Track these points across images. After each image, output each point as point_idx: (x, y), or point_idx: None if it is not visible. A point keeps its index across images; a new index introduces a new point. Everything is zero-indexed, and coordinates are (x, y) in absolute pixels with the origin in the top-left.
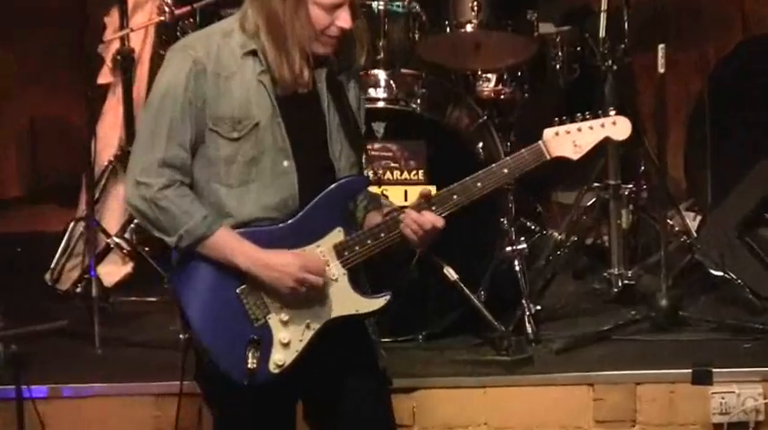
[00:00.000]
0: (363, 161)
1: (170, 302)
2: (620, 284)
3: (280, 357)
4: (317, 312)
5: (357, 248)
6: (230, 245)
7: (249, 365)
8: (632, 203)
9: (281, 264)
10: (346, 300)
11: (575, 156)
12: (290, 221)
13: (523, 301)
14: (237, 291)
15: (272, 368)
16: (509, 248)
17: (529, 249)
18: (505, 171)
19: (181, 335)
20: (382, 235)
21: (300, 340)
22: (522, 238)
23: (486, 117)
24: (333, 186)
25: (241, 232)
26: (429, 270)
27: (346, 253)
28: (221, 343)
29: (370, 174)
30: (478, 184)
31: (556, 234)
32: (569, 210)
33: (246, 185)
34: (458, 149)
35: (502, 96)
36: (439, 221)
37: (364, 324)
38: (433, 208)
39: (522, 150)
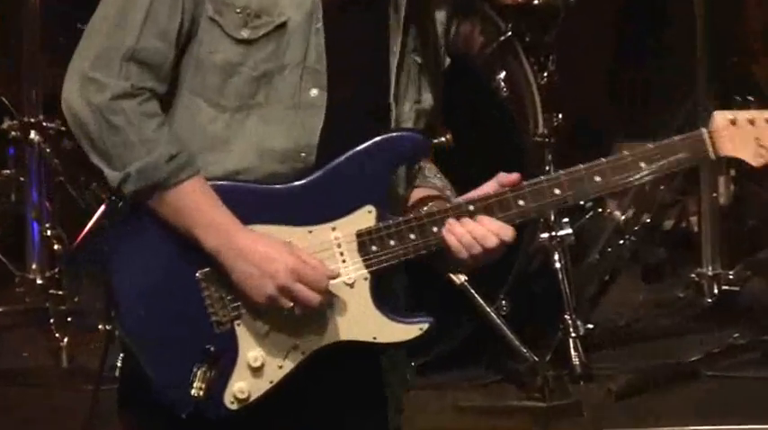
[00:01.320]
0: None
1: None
2: (715, 291)
3: (243, 387)
4: (314, 329)
5: (391, 243)
6: (197, 208)
7: (193, 391)
8: (734, 168)
9: (263, 256)
10: (361, 319)
11: (756, 160)
12: (299, 182)
13: (567, 317)
14: (198, 274)
15: (229, 401)
16: (545, 235)
17: (576, 236)
18: (642, 165)
19: (101, 326)
20: (412, 236)
21: (280, 367)
22: (566, 220)
23: (510, 33)
24: (378, 139)
25: (219, 185)
26: (423, 269)
27: (374, 247)
28: (159, 347)
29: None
30: (561, 192)
31: (617, 213)
32: None
33: (246, 112)
34: (468, 82)
35: (535, 2)
36: (507, 232)
37: (379, 359)
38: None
39: (674, 139)
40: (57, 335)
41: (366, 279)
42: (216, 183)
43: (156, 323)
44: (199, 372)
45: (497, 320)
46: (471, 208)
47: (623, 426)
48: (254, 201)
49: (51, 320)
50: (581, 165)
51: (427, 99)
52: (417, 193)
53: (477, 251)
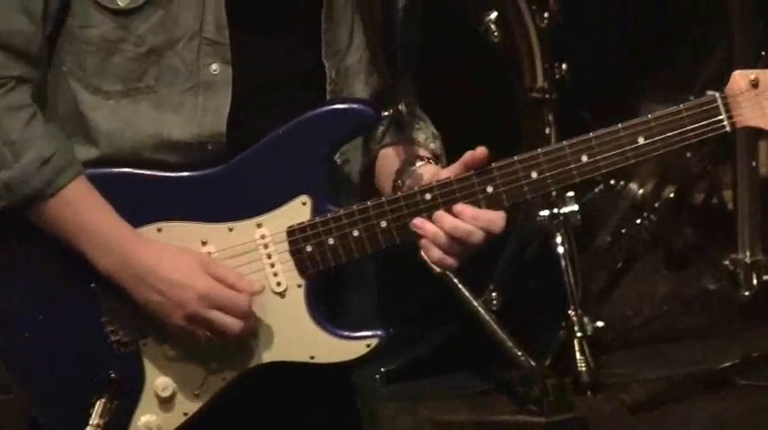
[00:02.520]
0: (400, 84)
1: None
2: (754, 282)
3: (150, 421)
4: (237, 348)
5: (330, 241)
6: (82, 220)
7: (89, 429)
8: None
9: (168, 281)
10: (295, 335)
11: None
12: (210, 170)
13: (571, 313)
14: (93, 285)
15: None
16: (544, 213)
17: (583, 214)
18: (641, 140)
19: None
20: (355, 233)
21: (196, 395)
22: (570, 194)
23: None
24: (311, 114)
25: (113, 174)
26: (393, 252)
27: (309, 247)
28: (50, 377)
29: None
30: (538, 176)
31: (634, 185)
32: None
33: (134, 97)
34: (449, 25)
35: None
36: (496, 221)
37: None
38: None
39: (680, 107)
40: None
41: (300, 286)
42: (110, 171)
43: (44, 351)
44: (98, 405)
45: (486, 317)
46: (428, 196)
47: None
48: (159, 192)
49: None
50: (564, 142)
51: (375, 62)
52: (394, 154)
53: (457, 251)
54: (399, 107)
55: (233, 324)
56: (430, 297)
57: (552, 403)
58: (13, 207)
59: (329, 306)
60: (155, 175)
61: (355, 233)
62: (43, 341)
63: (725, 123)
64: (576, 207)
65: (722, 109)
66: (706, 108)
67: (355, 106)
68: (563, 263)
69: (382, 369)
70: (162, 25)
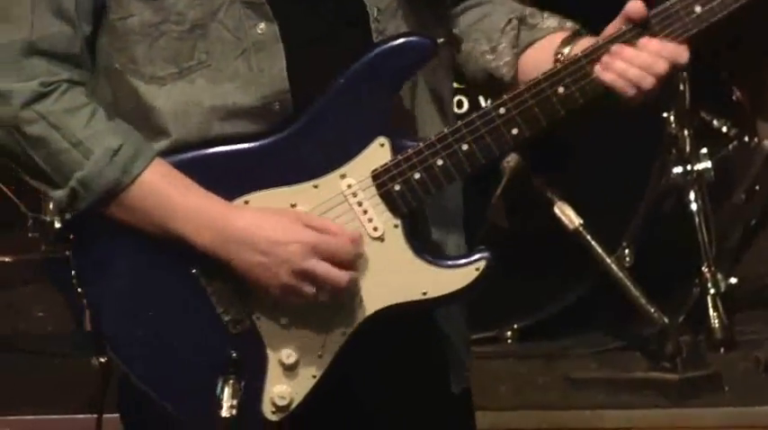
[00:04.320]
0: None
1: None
2: None
3: (282, 391)
4: (349, 302)
5: (416, 176)
6: (169, 200)
7: (224, 412)
8: None
9: (270, 240)
10: (403, 275)
11: None
12: (282, 133)
13: (704, 270)
14: (195, 270)
15: (270, 411)
16: (678, 169)
17: (716, 171)
18: (698, 9)
19: (93, 360)
20: (439, 162)
21: (320, 355)
22: (704, 151)
23: None
24: (367, 57)
25: (189, 159)
26: (522, 207)
27: (397, 186)
28: (172, 371)
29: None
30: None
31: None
32: None
33: (189, 76)
34: None
35: None
36: (681, 54)
37: (434, 317)
38: (658, 30)
39: None
40: (78, 291)
41: (397, 226)
42: (184, 158)
43: (160, 344)
44: (226, 387)
45: (619, 274)
46: (502, 110)
47: None
48: (237, 168)
49: (72, 273)
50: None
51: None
52: (539, 53)
53: (648, 83)
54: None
55: (340, 275)
56: (563, 254)
57: (686, 360)
58: (95, 206)
59: (426, 239)
60: (230, 151)
61: (439, 162)
62: (158, 336)
63: None
64: (709, 164)
65: None
66: None
67: (411, 39)
68: (696, 219)
69: (515, 325)
70: None
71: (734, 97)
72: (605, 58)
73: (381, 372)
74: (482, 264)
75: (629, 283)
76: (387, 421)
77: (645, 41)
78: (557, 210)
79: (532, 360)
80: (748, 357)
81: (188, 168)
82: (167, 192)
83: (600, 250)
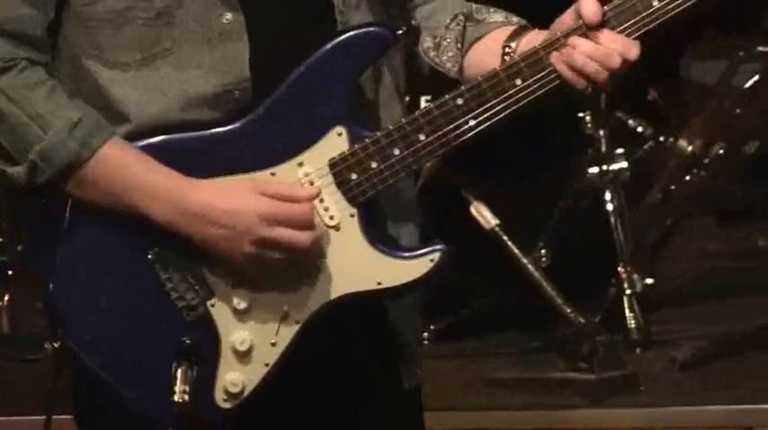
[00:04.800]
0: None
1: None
2: None
3: (234, 378)
4: (304, 289)
5: (373, 165)
6: (128, 174)
7: (176, 397)
8: None
9: (228, 212)
10: (358, 264)
11: None
12: (241, 121)
13: (621, 270)
14: (150, 255)
15: (221, 399)
16: (594, 170)
17: (633, 171)
18: (655, 3)
19: (47, 345)
20: (396, 151)
21: (273, 344)
22: (620, 151)
23: None
24: (328, 47)
25: (148, 145)
26: (441, 207)
27: (354, 174)
28: (124, 354)
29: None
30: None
31: (684, 142)
32: (707, 95)
33: (153, 63)
34: None
35: None
36: (631, 48)
37: (387, 311)
38: (611, 24)
39: None
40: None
41: (353, 215)
42: (143, 143)
43: (114, 327)
44: (179, 373)
45: (535, 274)
46: (459, 101)
47: (690, 404)
48: (196, 153)
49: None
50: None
51: None
52: (484, 47)
53: (599, 73)
54: (412, 23)
55: (302, 236)
56: (480, 256)
57: (602, 360)
58: (54, 179)
59: (381, 230)
60: (188, 137)
61: (396, 152)
62: (113, 321)
63: None
64: (625, 164)
65: None
66: None
67: (370, 29)
68: (613, 219)
69: (432, 327)
70: None
71: (649, 97)
72: (563, 50)
73: (332, 365)
74: (437, 256)
75: (545, 284)
76: (338, 414)
77: (600, 34)
78: (473, 210)
79: (449, 360)
80: (664, 357)
81: (149, 150)
82: (126, 166)
83: (516, 250)
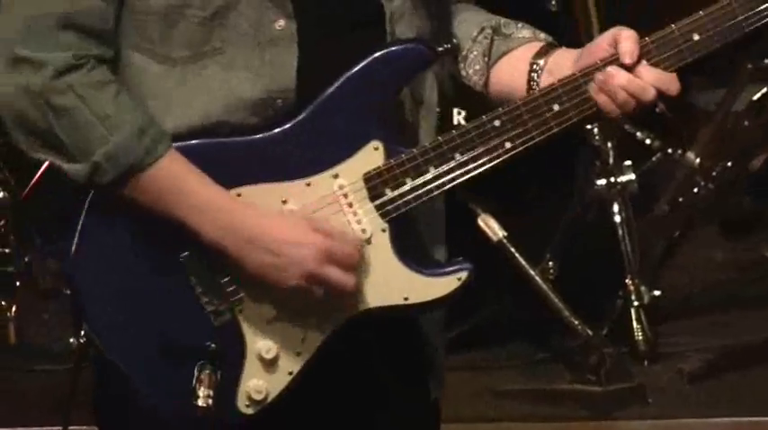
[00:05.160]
0: (450, 25)
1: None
2: None
3: (258, 385)
4: (331, 301)
5: (407, 182)
6: (184, 188)
7: (200, 402)
8: None
9: (283, 240)
10: (386, 279)
11: None
12: (279, 129)
13: (628, 282)
14: (182, 258)
15: (244, 405)
16: (602, 182)
17: (640, 183)
18: (695, 37)
19: (72, 340)
20: (431, 170)
21: (298, 354)
22: (628, 163)
23: None
24: (370, 60)
25: (187, 146)
26: (448, 219)
27: (388, 190)
28: (149, 355)
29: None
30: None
31: (691, 155)
32: (718, 106)
33: (202, 61)
34: None
35: None
36: (670, 83)
37: (418, 321)
38: (651, 55)
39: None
40: (2, 303)
41: (384, 230)
42: (183, 144)
43: (140, 327)
44: (203, 377)
45: (543, 286)
46: (497, 123)
47: (697, 416)
48: (233, 159)
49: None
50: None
51: (429, 7)
52: (511, 62)
53: (626, 105)
54: (453, 41)
55: (348, 279)
56: (487, 267)
57: (609, 372)
58: (116, 181)
59: (411, 244)
60: (227, 142)
61: (431, 170)
62: (140, 321)
63: None
64: (633, 176)
65: None
66: None
67: (409, 46)
68: (620, 231)
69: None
70: None
71: (657, 109)
72: (600, 77)
73: (363, 373)
74: (464, 275)
75: (552, 296)
76: (367, 423)
77: (641, 69)
78: (480, 223)
79: (457, 372)
80: (672, 369)
81: (185, 155)
82: (181, 179)
83: (524, 262)
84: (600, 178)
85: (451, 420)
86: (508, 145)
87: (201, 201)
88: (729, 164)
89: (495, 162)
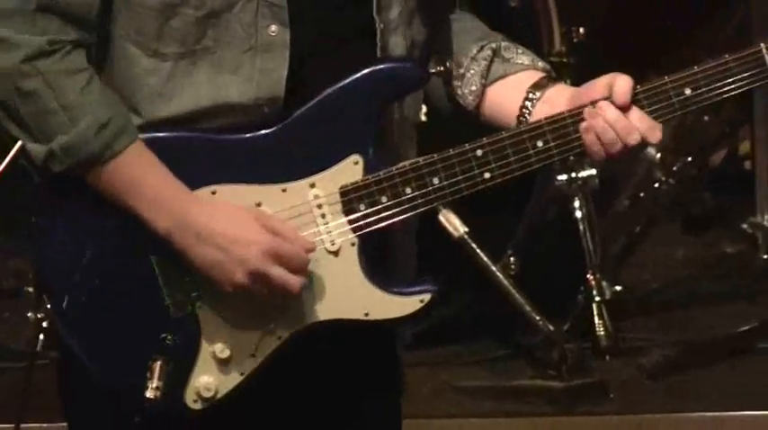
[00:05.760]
0: (444, 43)
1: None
2: None
3: (208, 382)
4: (292, 307)
5: (383, 199)
6: (139, 181)
7: (148, 392)
8: None
9: (229, 237)
10: (349, 293)
11: None
12: (261, 132)
13: (589, 277)
14: (147, 248)
15: (191, 400)
16: (563, 177)
17: (601, 178)
18: (687, 92)
19: (30, 314)
20: (408, 190)
21: (253, 355)
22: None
23: None
24: (359, 75)
25: (166, 138)
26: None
27: (362, 205)
28: (105, 337)
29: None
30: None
31: (652, 150)
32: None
33: (192, 59)
34: None
35: None
36: (654, 131)
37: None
38: (641, 104)
39: (725, 58)
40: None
41: (353, 244)
42: (163, 136)
43: (99, 308)
44: (155, 367)
45: (505, 282)
46: (479, 152)
47: (658, 411)
48: (212, 155)
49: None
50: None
51: (425, 23)
52: (507, 87)
53: (618, 149)
54: (446, 65)
55: (294, 280)
56: (448, 262)
57: (571, 368)
58: (70, 171)
59: (378, 259)
60: (208, 138)
61: (408, 191)
62: (100, 306)
63: None
64: (594, 171)
65: (767, 58)
66: (752, 58)
67: (401, 65)
68: (581, 227)
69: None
70: None
71: None
72: (590, 110)
73: (323, 376)
74: (427, 297)
75: (514, 291)
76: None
77: (631, 112)
78: (441, 218)
79: (418, 368)
80: (633, 364)
81: (165, 147)
82: (137, 174)
83: (485, 258)
84: (561, 173)
85: (413, 416)
86: (487, 175)
87: (156, 195)
88: (690, 159)
89: (472, 191)
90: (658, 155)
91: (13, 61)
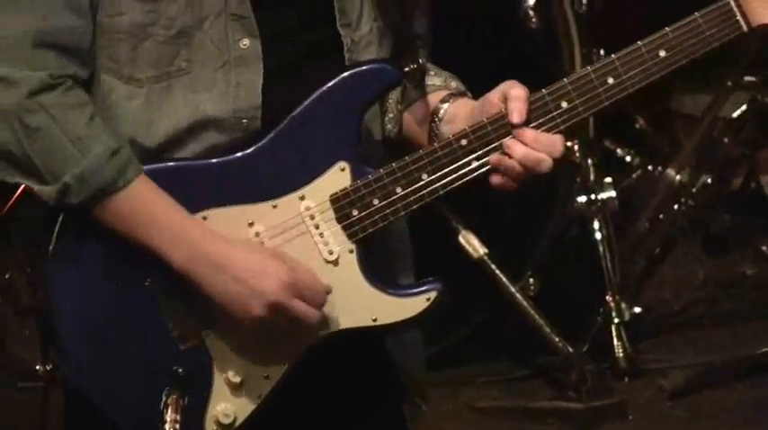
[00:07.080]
0: (417, 46)
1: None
2: None
3: (226, 409)
4: (300, 327)
5: (375, 202)
6: (153, 212)
7: (167, 427)
8: None
9: (249, 270)
10: (354, 301)
11: None
12: (245, 151)
13: (609, 299)
14: (149, 283)
15: (212, 429)
16: (582, 198)
17: (621, 200)
18: (662, 53)
19: (39, 367)
20: (398, 190)
21: (266, 377)
22: (608, 180)
23: None
24: (336, 81)
25: (154, 169)
26: (429, 236)
27: (355, 211)
28: (117, 381)
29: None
30: (569, 105)
31: (671, 171)
32: (696, 125)
33: (167, 81)
34: (488, 11)
35: None
36: (555, 145)
37: (382, 342)
38: (532, 119)
39: (695, 16)
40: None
41: (352, 251)
42: (150, 168)
43: (108, 352)
44: (170, 401)
45: (524, 303)
46: (464, 142)
47: None
48: (199, 182)
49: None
50: (588, 68)
51: (391, 28)
52: (420, 107)
53: (522, 176)
54: (419, 62)
55: (312, 314)
56: (468, 283)
57: (590, 389)
58: (85, 202)
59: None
60: (193, 165)
61: (398, 190)
62: (107, 342)
63: (741, 23)
64: (613, 193)
65: (736, 11)
66: (720, 12)
67: (377, 66)
68: (601, 248)
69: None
70: (189, 5)
71: (637, 125)
72: (496, 158)
73: (332, 388)
74: (433, 295)
75: (533, 312)
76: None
77: (524, 133)
78: (461, 239)
79: (436, 388)
80: (652, 386)
81: (154, 175)
82: (151, 204)
83: (504, 279)
84: (580, 195)
85: None
86: (475, 164)
87: (171, 226)
88: (709, 181)
89: (463, 181)
90: (678, 176)
91: (17, 98)
